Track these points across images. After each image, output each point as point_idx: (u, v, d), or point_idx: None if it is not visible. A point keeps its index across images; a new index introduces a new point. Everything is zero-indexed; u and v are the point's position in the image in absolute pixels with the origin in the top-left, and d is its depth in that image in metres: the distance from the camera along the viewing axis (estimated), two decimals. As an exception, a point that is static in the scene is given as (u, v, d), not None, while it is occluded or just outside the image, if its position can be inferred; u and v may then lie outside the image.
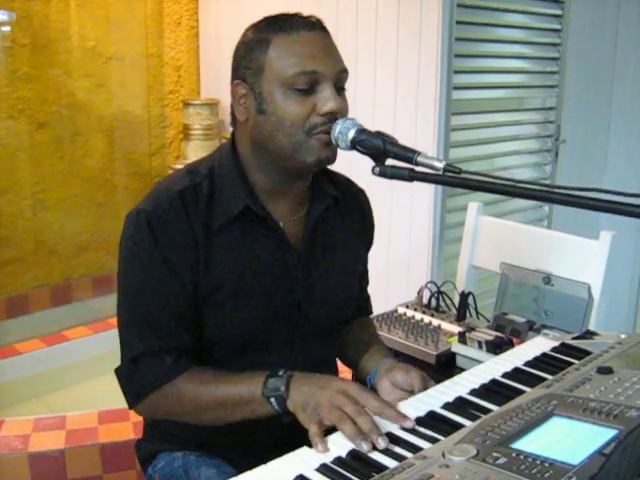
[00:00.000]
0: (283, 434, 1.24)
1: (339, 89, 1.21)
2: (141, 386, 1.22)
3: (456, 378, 1.22)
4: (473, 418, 1.04)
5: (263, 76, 1.19)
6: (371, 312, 1.58)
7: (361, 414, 1.03)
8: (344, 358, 1.48)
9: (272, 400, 1.13)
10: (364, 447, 0.97)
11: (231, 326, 1.24)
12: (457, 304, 1.90)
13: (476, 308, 1.94)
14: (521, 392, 1.12)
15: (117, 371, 1.25)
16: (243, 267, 1.24)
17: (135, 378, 1.22)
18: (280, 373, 1.14)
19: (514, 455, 0.86)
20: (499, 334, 1.67)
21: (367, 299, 1.57)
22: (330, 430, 1.05)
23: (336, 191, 1.37)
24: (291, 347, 1.31)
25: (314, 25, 1.20)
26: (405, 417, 1.04)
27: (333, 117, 1.18)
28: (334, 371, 1.46)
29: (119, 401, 2.30)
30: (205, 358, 1.26)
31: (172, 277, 1.20)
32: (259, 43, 1.19)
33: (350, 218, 1.41)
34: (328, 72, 1.18)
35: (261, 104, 1.20)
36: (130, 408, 1.25)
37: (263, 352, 1.28)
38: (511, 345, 1.60)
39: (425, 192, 2.62)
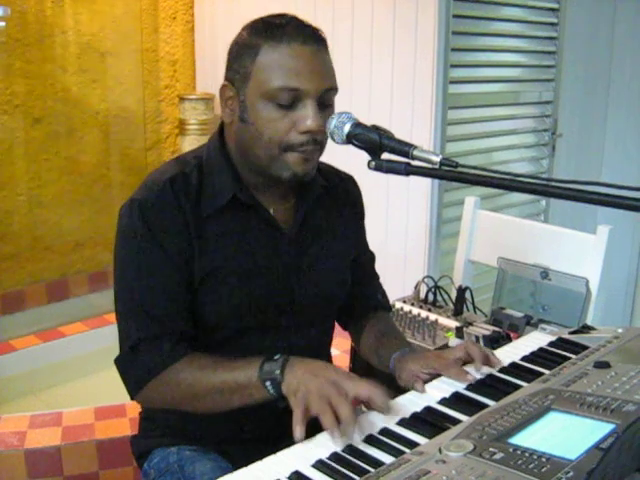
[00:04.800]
0: (279, 427, 1.25)
1: (323, 105, 1.20)
2: (141, 374, 1.21)
3: (453, 373, 1.22)
4: (470, 413, 1.04)
5: (248, 84, 1.20)
6: (389, 308, 1.56)
7: (343, 404, 1.02)
8: (361, 349, 1.48)
9: (267, 384, 1.12)
10: (336, 440, 0.98)
11: (225, 311, 1.25)
12: (454, 299, 1.90)
13: (473, 303, 1.94)
14: (518, 387, 1.12)
15: (117, 361, 1.25)
16: (235, 253, 1.25)
17: (134, 366, 1.22)
18: (276, 357, 1.14)
19: (511, 450, 0.86)
20: (496, 329, 1.67)
21: (381, 292, 1.54)
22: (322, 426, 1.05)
23: (324, 180, 1.38)
24: (286, 332, 1.32)
25: (308, 38, 1.18)
26: (390, 407, 1.05)
27: (312, 137, 1.19)
28: (327, 357, 1.47)
29: (115, 397, 2.30)
30: (202, 344, 1.26)
31: (167, 262, 1.21)
32: (250, 48, 1.19)
33: (340, 206, 1.43)
34: (312, 90, 1.17)
35: (243, 112, 1.21)
36: (132, 398, 1.25)
37: (259, 338, 1.29)
38: (508, 340, 1.60)
39: (421, 186, 2.61)
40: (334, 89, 1.23)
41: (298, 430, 1.01)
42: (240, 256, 1.26)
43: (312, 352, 1.30)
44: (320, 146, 1.23)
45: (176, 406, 1.25)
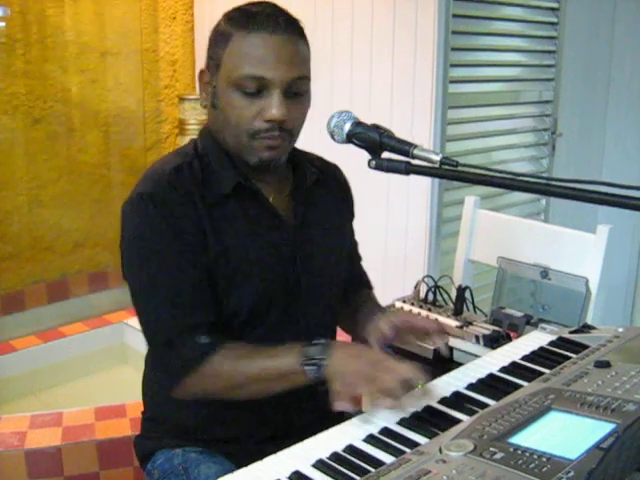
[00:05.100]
0: (282, 427, 1.27)
1: (292, 94, 1.22)
2: (179, 368, 1.20)
3: (453, 373, 1.22)
4: (470, 413, 1.04)
5: (219, 71, 1.23)
6: (371, 287, 1.59)
7: (388, 380, 1.05)
8: (343, 322, 1.51)
9: (309, 369, 1.13)
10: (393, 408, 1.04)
11: (235, 302, 1.25)
12: (454, 298, 1.90)
13: (473, 302, 1.94)
14: (518, 386, 1.11)
15: (150, 357, 1.25)
16: (242, 241, 1.26)
17: (172, 361, 1.21)
18: (316, 342, 1.15)
19: (511, 450, 0.86)
20: (496, 328, 1.67)
21: (365, 273, 1.59)
22: (325, 425, 1.05)
23: (317, 169, 1.41)
24: (293, 319, 1.33)
25: (278, 27, 1.19)
26: (429, 390, 1.09)
27: (276, 124, 1.20)
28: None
29: (116, 397, 2.30)
30: None
31: (187, 251, 1.21)
32: (223, 36, 1.22)
33: (331, 193, 1.45)
34: (277, 79, 1.19)
35: (214, 98, 1.25)
36: (169, 393, 1.24)
37: (267, 327, 1.29)
38: (508, 339, 1.60)
39: (422, 186, 2.61)
40: (304, 78, 1.24)
41: (347, 406, 1.06)
42: (247, 244, 1.26)
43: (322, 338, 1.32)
44: (288, 134, 1.24)
45: (215, 396, 1.24)
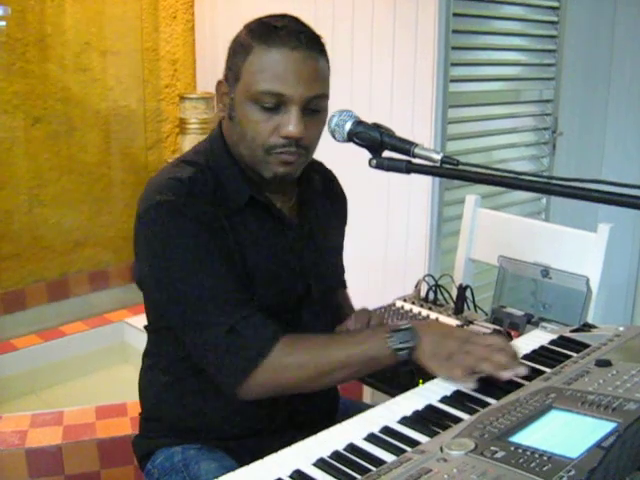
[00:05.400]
0: (281, 423, 1.27)
1: (310, 111, 1.21)
2: (251, 354, 1.16)
3: (454, 371, 1.21)
4: (471, 412, 1.03)
5: (238, 84, 1.22)
6: (346, 286, 1.62)
7: (494, 352, 1.11)
8: None
9: (400, 353, 1.16)
10: (506, 375, 1.09)
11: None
12: (455, 297, 1.90)
13: (474, 301, 1.94)
14: (519, 385, 1.11)
15: (210, 352, 1.18)
16: (256, 250, 1.27)
17: (241, 350, 1.16)
18: (402, 326, 1.18)
19: (512, 449, 0.86)
20: (497, 327, 1.67)
21: (343, 273, 1.61)
22: (324, 420, 1.05)
23: (317, 175, 1.43)
24: (302, 320, 1.34)
25: (300, 44, 1.18)
26: (518, 357, 1.14)
27: (293, 141, 1.20)
28: None
29: (116, 396, 2.30)
30: None
31: (222, 248, 1.20)
32: (243, 48, 1.21)
33: (331, 199, 1.47)
34: (296, 96, 1.18)
35: (232, 110, 1.24)
36: (236, 391, 1.17)
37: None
38: (509, 338, 1.59)
39: (422, 185, 2.61)
40: (323, 96, 1.23)
41: (470, 384, 1.10)
42: (260, 253, 1.27)
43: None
44: (305, 150, 1.24)
45: (289, 389, 1.21)
